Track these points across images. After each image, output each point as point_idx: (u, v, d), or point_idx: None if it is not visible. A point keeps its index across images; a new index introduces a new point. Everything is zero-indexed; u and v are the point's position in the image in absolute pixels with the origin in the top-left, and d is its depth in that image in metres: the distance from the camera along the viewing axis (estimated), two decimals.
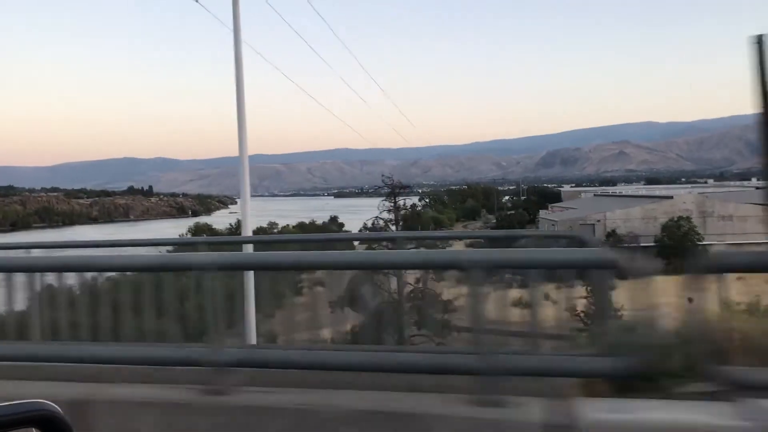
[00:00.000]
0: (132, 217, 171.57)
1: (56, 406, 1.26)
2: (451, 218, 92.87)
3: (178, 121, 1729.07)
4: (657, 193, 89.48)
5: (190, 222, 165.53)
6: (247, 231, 18.66)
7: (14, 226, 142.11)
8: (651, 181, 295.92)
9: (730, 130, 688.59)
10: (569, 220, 65.64)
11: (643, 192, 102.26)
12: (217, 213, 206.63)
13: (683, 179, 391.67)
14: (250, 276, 7.48)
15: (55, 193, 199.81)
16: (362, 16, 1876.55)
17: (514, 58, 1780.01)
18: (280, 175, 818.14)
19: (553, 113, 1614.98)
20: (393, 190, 47.23)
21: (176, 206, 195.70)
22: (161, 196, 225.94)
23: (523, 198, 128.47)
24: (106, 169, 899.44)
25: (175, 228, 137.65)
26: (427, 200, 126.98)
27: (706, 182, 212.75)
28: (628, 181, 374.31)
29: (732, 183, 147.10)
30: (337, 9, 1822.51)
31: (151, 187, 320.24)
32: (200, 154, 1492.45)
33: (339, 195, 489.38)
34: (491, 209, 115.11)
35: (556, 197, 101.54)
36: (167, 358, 4.74)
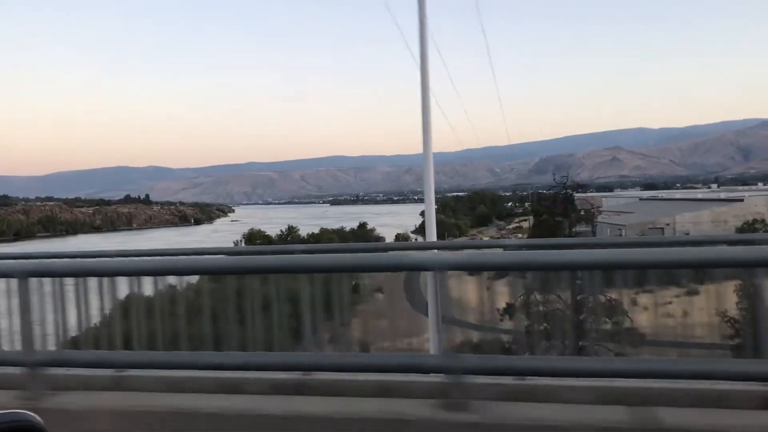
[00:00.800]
0: (135, 225, 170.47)
1: (37, 417, 1.19)
2: (466, 225, 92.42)
3: (170, 129, 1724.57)
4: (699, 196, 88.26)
5: (195, 230, 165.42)
6: (432, 235, 17.62)
7: (18, 236, 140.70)
8: (648, 186, 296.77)
9: (723, 135, 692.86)
10: (637, 225, 64.32)
11: (702, 195, 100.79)
12: (218, 221, 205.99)
13: (678, 185, 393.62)
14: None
15: (52, 203, 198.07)
16: (359, 25, 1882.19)
17: (505, 65, 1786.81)
18: (273, 182, 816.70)
19: (545, 120, 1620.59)
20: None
21: (178, 214, 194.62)
22: (162, 205, 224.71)
23: (528, 204, 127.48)
24: (98, 178, 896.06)
25: (182, 236, 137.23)
26: (435, 207, 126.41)
27: (709, 187, 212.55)
28: (623, 186, 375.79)
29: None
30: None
31: (147, 195, 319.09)
32: (193, 162, 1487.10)
33: (335, 203, 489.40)
34: (499, 216, 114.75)
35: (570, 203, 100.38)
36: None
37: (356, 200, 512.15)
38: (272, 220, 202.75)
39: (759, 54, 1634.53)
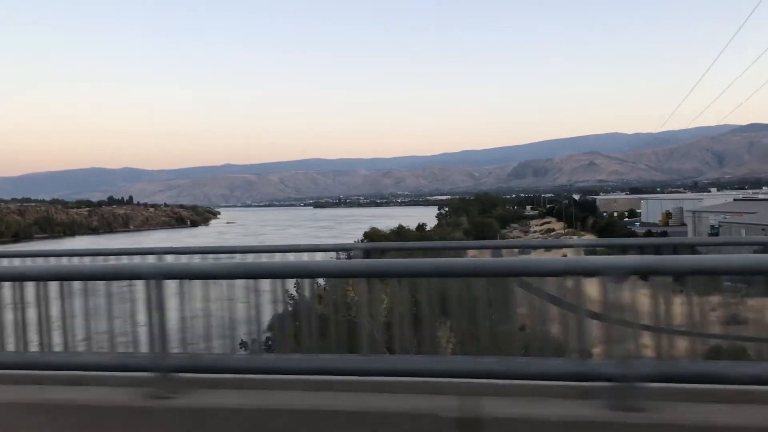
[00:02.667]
0: (132, 227, 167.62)
1: None
2: (497, 227, 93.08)
3: (146, 131, 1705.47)
4: None
5: (196, 231, 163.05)
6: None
7: (16, 237, 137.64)
8: (634, 191, 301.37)
9: (697, 141, 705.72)
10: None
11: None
12: (213, 223, 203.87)
13: (658, 189, 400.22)
14: None
15: (32, 204, 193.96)
16: (332, 30, 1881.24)
17: (481, 70, 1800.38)
18: (251, 185, 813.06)
19: (521, 124, 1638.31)
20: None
21: (174, 216, 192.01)
22: (148, 207, 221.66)
23: (546, 207, 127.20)
24: (73, 179, 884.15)
25: (192, 237, 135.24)
26: (446, 210, 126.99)
27: (709, 191, 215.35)
28: (604, 191, 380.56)
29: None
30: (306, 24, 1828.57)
31: (131, 197, 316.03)
32: (168, 164, 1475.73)
33: (317, 205, 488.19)
34: (512, 219, 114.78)
35: (590, 207, 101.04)
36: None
37: (339, 203, 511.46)
38: (267, 222, 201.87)
39: (729, 61, 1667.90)
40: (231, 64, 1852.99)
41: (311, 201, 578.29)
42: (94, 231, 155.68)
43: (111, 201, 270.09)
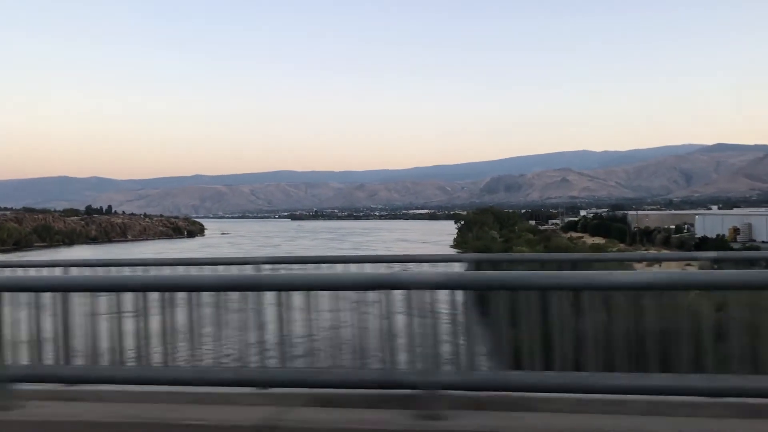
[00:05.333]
0: (130, 236, 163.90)
1: None
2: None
3: (113, 140, 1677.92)
4: None
5: (195, 243, 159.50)
6: None
7: (17, 245, 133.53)
8: (616, 207, 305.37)
9: (666, 159, 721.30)
10: None
11: None
12: (207, 233, 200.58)
13: (634, 206, 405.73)
14: None
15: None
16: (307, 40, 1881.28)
17: (451, 86, 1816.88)
18: (222, 196, 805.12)
19: (492, 140, 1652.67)
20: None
21: (171, 226, 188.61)
22: (152, 217, 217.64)
23: (565, 222, 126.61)
24: (38, 188, 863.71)
25: (202, 247, 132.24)
26: (461, 223, 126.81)
27: (711, 208, 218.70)
28: (575, 208, 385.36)
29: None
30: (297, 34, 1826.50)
31: (110, 206, 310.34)
32: (137, 174, 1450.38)
33: (295, 217, 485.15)
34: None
35: (621, 221, 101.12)
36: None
37: (316, 215, 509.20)
38: (261, 234, 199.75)
39: (697, 81, 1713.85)
40: (200, 75, 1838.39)
41: (285, 213, 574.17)
42: (93, 240, 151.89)
43: (89, 211, 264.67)
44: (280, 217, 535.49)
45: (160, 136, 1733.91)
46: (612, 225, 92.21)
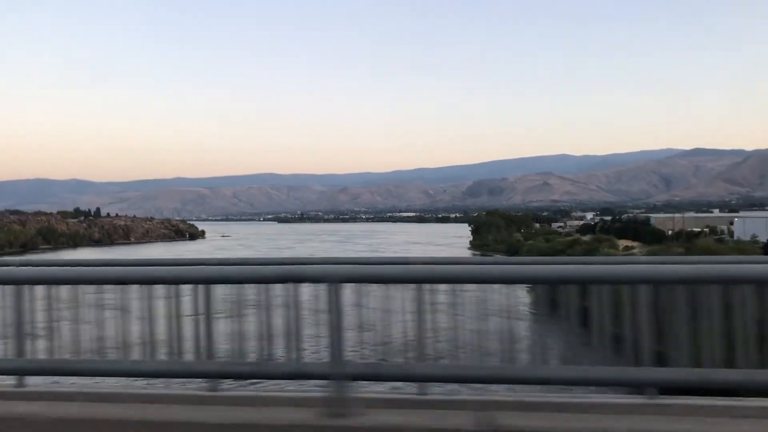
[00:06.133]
0: (133, 239, 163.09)
1: None
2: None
3: (92, 142, 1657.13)
4: None
5: (205, 245, 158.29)
6: None
7: (24, 248, 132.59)
8: (604, 212, 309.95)
9: (645, 164, 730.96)
10: None
11: None
12: (207, 236, 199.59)
13: (618, 210, 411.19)
14: None
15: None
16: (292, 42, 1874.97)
17: (431, 90, 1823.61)
18: (204, 199, 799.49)
19: (473, 144, 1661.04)
20: None
21: (173, 229, 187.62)
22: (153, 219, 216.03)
23: (578, 225, 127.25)
24: (14, 190, 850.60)
25: (216, 250, 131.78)
26: (472, 226, 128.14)
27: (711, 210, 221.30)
28: (553, 211, 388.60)
29: None
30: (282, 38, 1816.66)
31: (98, 209, 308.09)
32: (117, 176, 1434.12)
33: (281, 220, 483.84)
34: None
35: (644, 225, 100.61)
36: None
37: (302, 218, 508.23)
38: (261, 236, 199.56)
39: (675, 87, 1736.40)
40: (180, 77, 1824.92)
41: (270, 216, 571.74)
42: (96, 243, 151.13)
43: (78, 212, 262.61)
44: (265, 219, 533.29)
45: (140, 138, 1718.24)
46: (640, 228, 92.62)
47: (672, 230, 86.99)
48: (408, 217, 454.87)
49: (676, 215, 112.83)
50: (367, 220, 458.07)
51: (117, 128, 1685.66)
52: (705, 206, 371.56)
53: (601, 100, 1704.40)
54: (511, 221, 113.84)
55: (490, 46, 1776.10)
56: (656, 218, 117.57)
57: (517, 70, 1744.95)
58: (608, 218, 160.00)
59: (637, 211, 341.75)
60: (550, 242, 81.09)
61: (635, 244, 76.25)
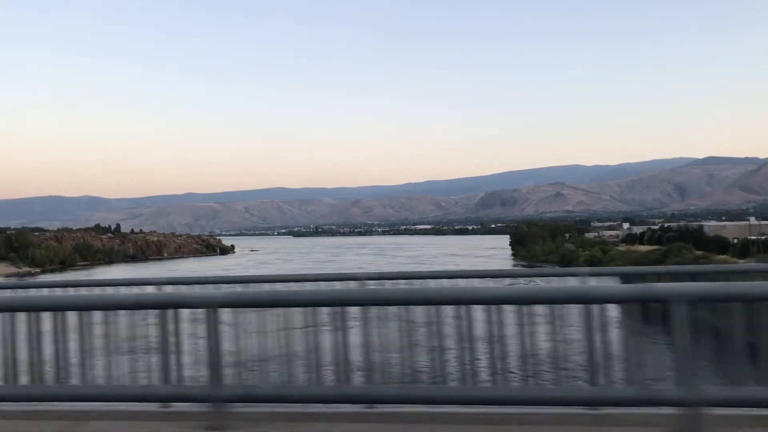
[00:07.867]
0: (165, 254, 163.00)
1: None
2: None
3: (105, 159, 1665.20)
4: None
5: (243, 260, 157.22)
6: None
7: (63, 264, 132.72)
8: (625, 221, 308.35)
9: (658, 173, 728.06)
10: None
11: None
12: (237, 251, 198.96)
13: (636, 219, 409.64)
14: None
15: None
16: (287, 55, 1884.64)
17: (441, 102, 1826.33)
18: (216, 214, 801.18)
19: (484, 156, 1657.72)
20: None
21: (204, 244, 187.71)
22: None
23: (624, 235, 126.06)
24: (29, 208, 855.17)
25: (258, 265, 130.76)
26: (512, 238, 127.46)
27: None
28: (581, 222, 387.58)
29: None
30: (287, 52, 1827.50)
31: (118, 225, 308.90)
32: (129, 193, 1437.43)
33: (296, 234, 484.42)
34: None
35: (699, 233, 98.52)
36: None
37: (317, 232, 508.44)
38: (289, 250, 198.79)
39: (686, 95, 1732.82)
40: (190, 94, 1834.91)
41: (284, 230, 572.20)
42: (131, 258, 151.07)
43: (98, 228, 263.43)
44: (279, 233, 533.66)
45: (150, 154, 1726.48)
46: (698, 237, 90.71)
47: (737, 239, 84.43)
48: (424, 229, 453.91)
49: (753, 221, 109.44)
50: (383, 233, 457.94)
51: (127, 145, 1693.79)
52: (723, 215, 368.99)
53: (611, 109, 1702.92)
54: (555, 231, 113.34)
55: (498, 58, 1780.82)
56: (709, 226, 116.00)
57: (526, 80, 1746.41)
58: (633, 227, 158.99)
59: (658, 220, 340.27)
60: (633, 252, 79.85)
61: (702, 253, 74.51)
